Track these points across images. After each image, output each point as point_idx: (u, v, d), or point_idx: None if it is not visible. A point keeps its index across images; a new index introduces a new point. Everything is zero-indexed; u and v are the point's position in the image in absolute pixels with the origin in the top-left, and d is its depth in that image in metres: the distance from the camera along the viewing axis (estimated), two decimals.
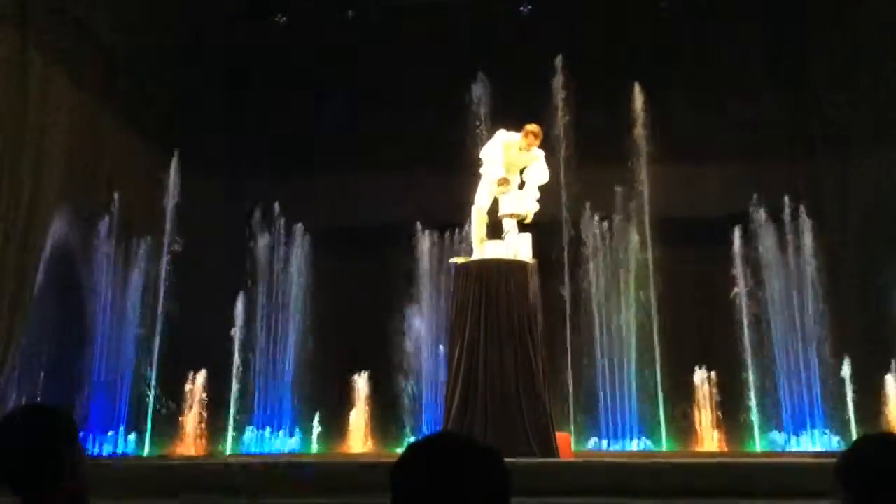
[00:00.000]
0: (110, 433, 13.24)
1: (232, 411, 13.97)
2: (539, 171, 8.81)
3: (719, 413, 13.46)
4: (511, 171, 8.75)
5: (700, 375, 13.59)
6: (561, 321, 13.90)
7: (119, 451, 13.19)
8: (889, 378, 12.99)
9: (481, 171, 8.90)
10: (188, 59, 14.87)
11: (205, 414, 13.59)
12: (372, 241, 14.56)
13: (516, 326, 8.22)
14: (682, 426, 13.60)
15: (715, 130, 14.69)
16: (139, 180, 14.33)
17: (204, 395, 13.60)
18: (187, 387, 13.59)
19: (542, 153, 8.89)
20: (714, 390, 13.50)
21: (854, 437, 12.54)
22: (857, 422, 12.89)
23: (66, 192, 12.61)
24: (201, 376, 13.64)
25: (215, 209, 14.95)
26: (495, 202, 8.87)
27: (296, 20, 15.72)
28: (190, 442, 13.42)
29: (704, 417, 13.52)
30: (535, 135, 8.67)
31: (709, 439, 13.43)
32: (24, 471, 2.13)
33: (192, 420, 13.51)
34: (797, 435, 13.37)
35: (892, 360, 13.01)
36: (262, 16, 15.76)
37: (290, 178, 15.12)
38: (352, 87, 15.38)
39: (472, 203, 8.99)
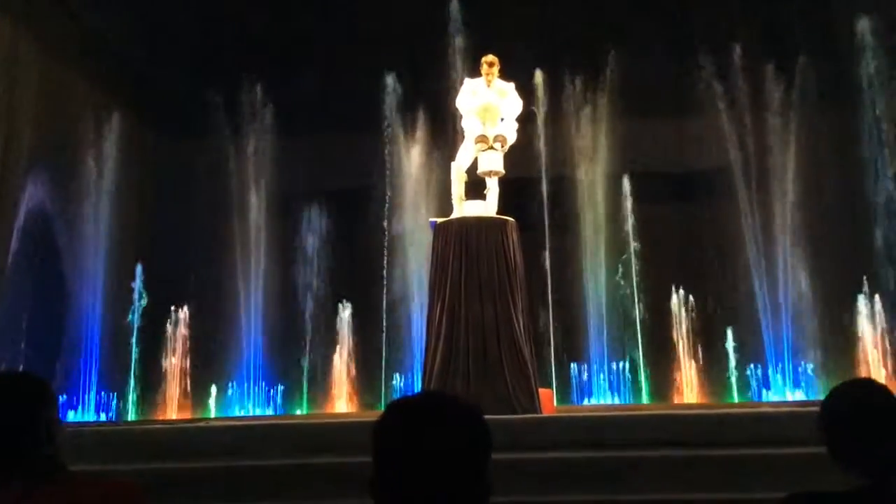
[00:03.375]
0: (91, 397, 13.27)
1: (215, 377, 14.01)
2: (512, 103, 8.82)
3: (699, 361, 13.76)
4: (491, 115, 8.71)
5: (676, 300, 13.93)
6: (542, 277, 14.04)
7: (106, 416, 13.22)
8: (860, 298, 13.34)
9: (462, 125, 8.89)
10: (157, 18, 14.60)
11: (188, 376, 13.68)
12: (353, 202, 14.60)
13: (497, 283, 8.21)
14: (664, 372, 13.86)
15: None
16: (111, 142, 14.14)
17: (186, 362, 13.67)
18: (167, 347, 13.69)
19: (511, 85, 8.88)
20: (693, 324, 13.80)
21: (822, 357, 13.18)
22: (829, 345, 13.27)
23: (38, 156, 12.42)
24: (181, 336, 13.70)
25: (191, 169, 14.79)
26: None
27: None
28: (173, 405, 13.47)
29: (685, 368, 13.78)
30: (490, 63, 8.72)
31: (688, 391, 13.68)
32: None
33: (173, 382, 13.58)
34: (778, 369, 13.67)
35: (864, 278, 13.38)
36: None
37: (269, 136, 15.05)
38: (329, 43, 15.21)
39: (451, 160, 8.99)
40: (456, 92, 9.21)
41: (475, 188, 8.89)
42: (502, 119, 8.78)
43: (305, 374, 14.29)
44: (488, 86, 8.76)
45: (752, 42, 14.35)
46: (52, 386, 2.26)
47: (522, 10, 14.83)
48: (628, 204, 14.67)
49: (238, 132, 15.07)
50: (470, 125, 8.76)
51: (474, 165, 8.78)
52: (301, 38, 15.30)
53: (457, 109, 9.05)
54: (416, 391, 1.91)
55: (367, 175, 14.89)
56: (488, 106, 8.71)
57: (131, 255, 13.98)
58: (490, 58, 8.76)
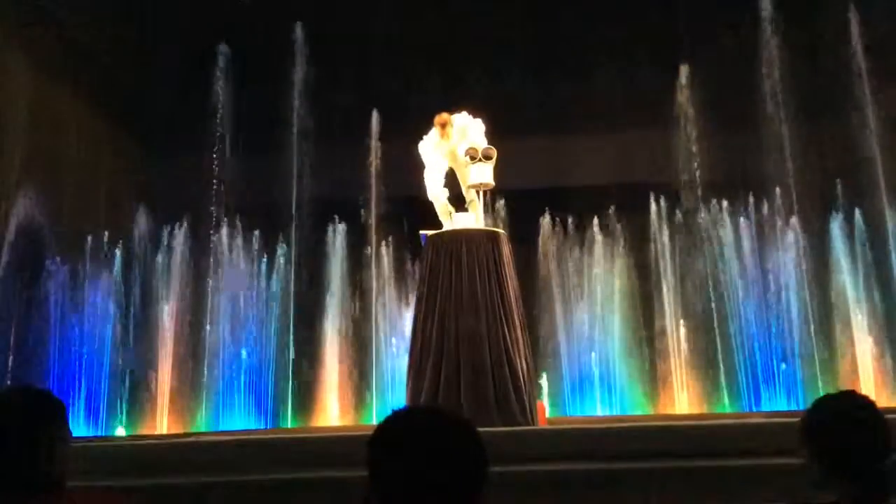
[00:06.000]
0: (80, 411, 13.21)
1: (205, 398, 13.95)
2: (475, 130, 8.69)
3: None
4: (457, 159, 8.74)
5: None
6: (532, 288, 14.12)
7: (95, 431, 13.15)
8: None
9: (424, 160, 8.83)
10: (147, 38, 14.64)
11: (177, 391, 13.64)
12: (344, 214, 14.64)
13: (488, 296, 8.17)
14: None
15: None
16: (101, 157, 14.13)
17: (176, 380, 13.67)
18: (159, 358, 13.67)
19: (464, 116, 8.78)
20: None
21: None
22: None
23: (27, 170, 12.39)
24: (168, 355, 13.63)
25: (181, 182, 14.77)
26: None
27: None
28: (163, 420, 13.42)
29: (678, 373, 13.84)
30: (443, 124, 8.64)
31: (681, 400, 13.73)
32: None
33: (162, 398, 13.53)
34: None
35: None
36: None
37: (259, 149, 15.09)
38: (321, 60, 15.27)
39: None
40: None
41: (455, 202, 8.89)
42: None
43: (294, 388, 14.24)
44: (445, 140, 8.71)
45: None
46: (60, 403, 2.21)
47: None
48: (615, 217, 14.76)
49: (227, 145, 15.06)
50: (436, 166, 8.75)
51: (456, 183, 8.78)
52: (291, 51, 15.35)
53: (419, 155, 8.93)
54: (405, 405, 1.91)
55: (359, 187, 14.92)
56: (453, 149, 8.73)
57: (121, 269, 13.94)
58: (442, 117, 8.64)
